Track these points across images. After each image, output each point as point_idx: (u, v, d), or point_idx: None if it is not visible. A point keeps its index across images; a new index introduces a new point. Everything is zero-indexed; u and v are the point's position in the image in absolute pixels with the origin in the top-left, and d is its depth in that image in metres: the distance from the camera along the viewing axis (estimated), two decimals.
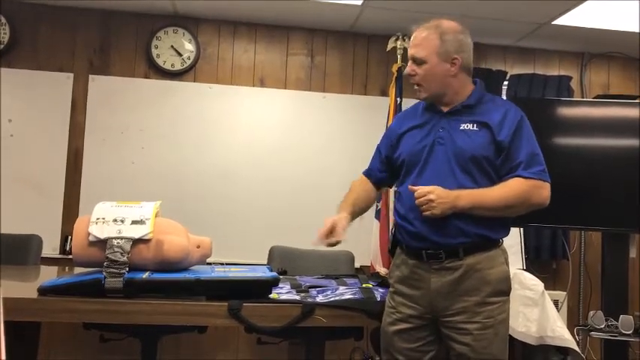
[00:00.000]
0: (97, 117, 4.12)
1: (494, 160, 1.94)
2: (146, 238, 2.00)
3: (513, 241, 4.03)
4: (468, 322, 1.88)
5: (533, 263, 4.26)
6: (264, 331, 2.08)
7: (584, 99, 4.56)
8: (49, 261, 3.74)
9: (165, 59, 4.21)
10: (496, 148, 1.93)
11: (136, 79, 4.19)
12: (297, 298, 2.15)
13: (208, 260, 2.22)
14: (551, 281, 4.38)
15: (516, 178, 1.91)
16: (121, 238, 1.97)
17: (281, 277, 2.26)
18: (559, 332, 2.67)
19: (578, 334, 3.35)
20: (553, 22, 4.01)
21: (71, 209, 4.03)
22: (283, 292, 2.22)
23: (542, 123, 3.61)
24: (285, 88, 4.32)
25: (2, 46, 4.03)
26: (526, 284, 2.73)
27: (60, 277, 2.22)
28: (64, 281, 2.03)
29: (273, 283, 2.11)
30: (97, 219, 2.02)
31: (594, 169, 3.45)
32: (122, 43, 4.21)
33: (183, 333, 3.34)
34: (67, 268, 3.25)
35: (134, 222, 2.02)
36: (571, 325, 3.68)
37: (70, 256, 2.14)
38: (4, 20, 4.04)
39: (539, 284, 2.75)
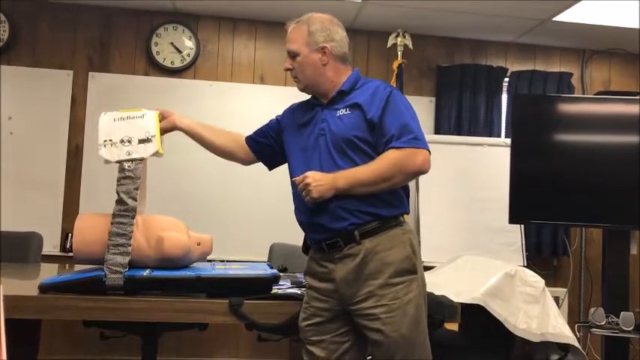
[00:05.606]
0: (97, 114, 4.08)
1: (370, 139, 1.95)
2: (156, 155, 2.06)
3: (514, 238, 4.04)
4: (375, 306, 1.87)
5: (534, 260, 4.26)
6: (265, 328, 2.07)
7: (585, 95, 4.55)
8: (50, 258, 3.75)
9: (165, 56, 4.20)
10: (369, 126, 1.95)
11: (136, 77, 4.18)
12: (298, 294, 2.14)
13: (209, 257, 2.22)
14: (551, 278, 4.39)
15: (389, 150, 1.91)
16: (132, 161, 2.07)
17: (281, 274, 2.26)
18: (560, 329, 2.67)
19: (579, 331, 3.35)
20: (554, 19, 4.00)
21: (71, 207, 4.03)
22: (284, 289, 2.22)
23: (543, 119, 3.62)
24: (286, 85, 4.31)
25: (2, 43, 4.02)
26: (527, 281, 2.73)
27: (60, 274, 2.21)
28: (65, 279, 2.03)
29: (274, 280, 2.11)
30: (105, 141, 2.05)
31: (595, 166, 3.45)
32: (122, 41, 4.20)
33: (184, 330, 3.34)
34: (67, 265, 3.25)
35: (141, 141, 2.08)
36: (572, 322, 3.68)
37: (71, 254, 2.15)
38: (3, 18, 4.03)
39: (539, 281, 2.75)
